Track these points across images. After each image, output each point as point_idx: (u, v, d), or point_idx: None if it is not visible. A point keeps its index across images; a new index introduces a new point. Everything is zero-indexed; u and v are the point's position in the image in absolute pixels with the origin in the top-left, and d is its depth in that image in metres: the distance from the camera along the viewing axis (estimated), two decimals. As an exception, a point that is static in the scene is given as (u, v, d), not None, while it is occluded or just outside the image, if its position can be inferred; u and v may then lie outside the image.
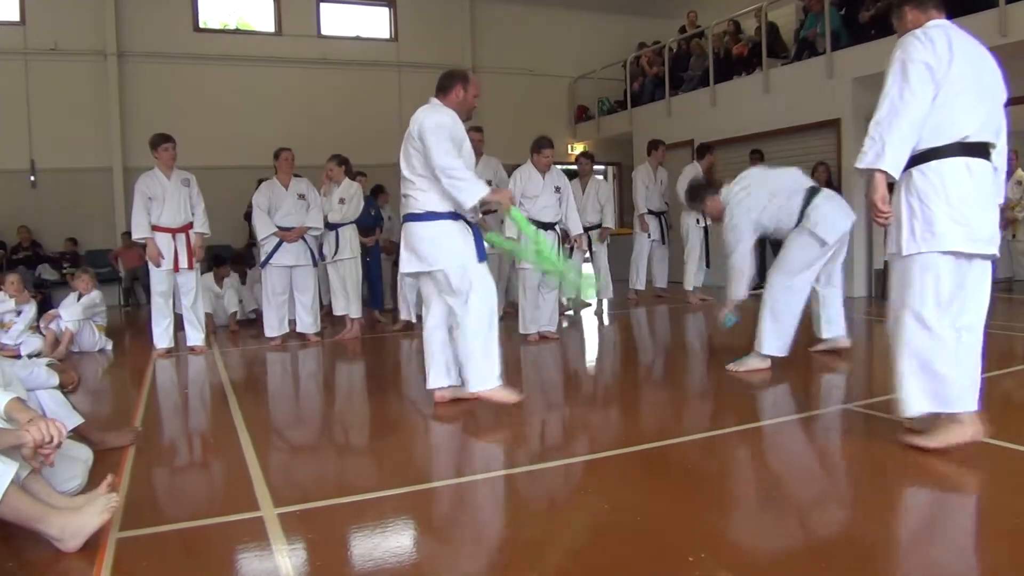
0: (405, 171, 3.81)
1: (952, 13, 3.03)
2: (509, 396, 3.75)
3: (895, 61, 2.80)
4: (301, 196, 6.58)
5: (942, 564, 2.06)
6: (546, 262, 4.02)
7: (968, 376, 2.82)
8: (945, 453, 2.82)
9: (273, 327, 6.55)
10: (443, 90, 3.86)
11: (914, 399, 2.85)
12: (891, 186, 2.89)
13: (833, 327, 5.07)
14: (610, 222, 8.12)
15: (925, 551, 2.16)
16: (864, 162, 2.82)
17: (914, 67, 2.73)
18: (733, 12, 10.44)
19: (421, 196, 3.74)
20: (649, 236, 8.83)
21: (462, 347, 3.76)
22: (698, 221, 8.56)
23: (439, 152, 3.59)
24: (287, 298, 6.65)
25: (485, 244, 3.85)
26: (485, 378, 3.72)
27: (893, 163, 2.76)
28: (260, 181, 6.89)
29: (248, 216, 8.79)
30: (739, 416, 3.68)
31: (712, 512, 2.49)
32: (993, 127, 2.84)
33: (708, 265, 8.74)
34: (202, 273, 6.70)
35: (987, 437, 2.86)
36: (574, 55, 13.28)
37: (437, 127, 3.64)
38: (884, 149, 2.75)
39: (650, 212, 8.85)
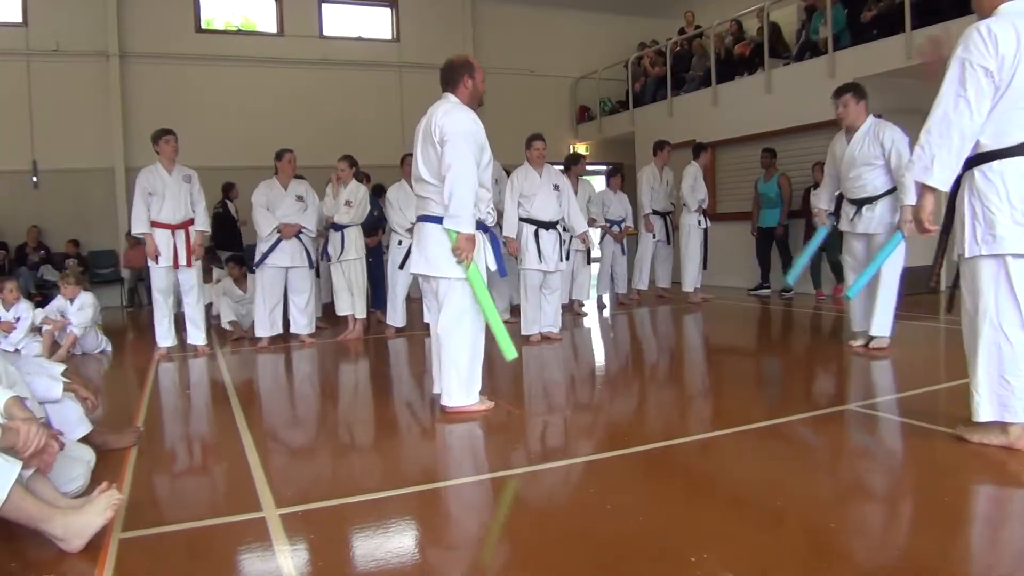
0: (423, 172, 3.74)
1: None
2: (484, 405, 3.80)
3: (955, 59, 2.70)
4: (299, 198, 6.57)
5: (946, 565, 2.05)
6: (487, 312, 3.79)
7: None
8: (962, 455, 2.85)
9: (264, 327, 6.53)
10: (450, 84, 3.78)
11: (985, 406, 2.82)
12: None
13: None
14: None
15: (927, 552, 2.15)
16: (913, 173, 2.79)
17: (972, 73, 2.64)
18: (734, 12, 10.43)
19: (437, 199, 3.67)
20: (654, 236, 8.83)
21: (443, 360, 3.75)
22: (699, 222, 8.56)
23: (459, 163, 3.53)
24: (280, 299, 6.63)
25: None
26: (462, 394, 3.75)
27: (941, 178, 2.71)
28: (227, 185, 6.89)
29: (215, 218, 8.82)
30: (741, 416, 3.67)
31: (714, 512, 2.49)
32: None
33: (706, 266, 8.74)
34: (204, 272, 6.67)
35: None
36: (576, 55, 13.29)
37: (465, 135, 3.57)
38: (932, 163, 2.71)
39: (655, 212, 8.85)
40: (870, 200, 4.96)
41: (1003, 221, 2.69)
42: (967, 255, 2.80)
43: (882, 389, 4.39)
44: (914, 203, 2.98)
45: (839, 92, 5.03)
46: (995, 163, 2.71)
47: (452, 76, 3.78)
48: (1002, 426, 2.81)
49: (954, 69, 2.69)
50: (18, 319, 6.42)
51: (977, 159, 2.74)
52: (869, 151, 4.88)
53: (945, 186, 2.74)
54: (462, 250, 3.60)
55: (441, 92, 3.85)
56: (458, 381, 3.74)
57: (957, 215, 2.87)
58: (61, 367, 3.29)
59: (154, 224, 6.04)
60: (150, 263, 6.12)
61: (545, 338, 6.15)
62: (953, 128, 2.67)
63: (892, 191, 4.90)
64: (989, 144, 2.71)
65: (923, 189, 2.80)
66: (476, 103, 3.81)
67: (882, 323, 5.02)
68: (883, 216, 4.94)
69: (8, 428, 2.23)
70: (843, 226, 5.22)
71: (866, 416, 3.57)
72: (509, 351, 3.74)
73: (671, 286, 9.18)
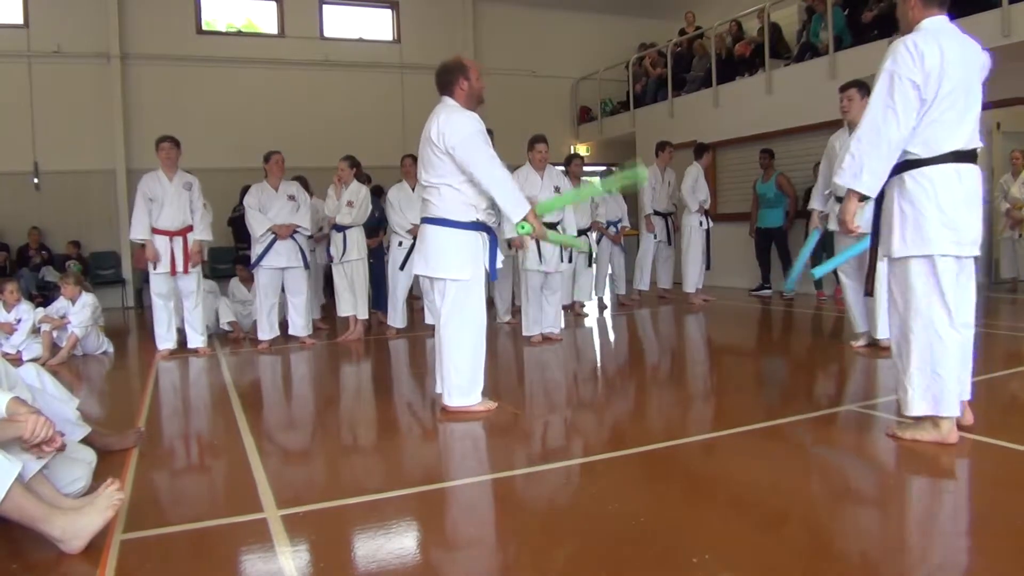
0: (424, 175, 3.77)
1: (955, 13, 3.07)
2: (486, 406, 3.81)
3: (883, 71, 2.85)
4: (291, 197, 6.57)
5: (946, 566, 2.05)
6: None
7: (958, 379, 2.91)
8: (950, 454, 2.87)
9: (265, 330, 6.54)
10: (446, 87, 3.79)
11: (918, 400, 2.93)
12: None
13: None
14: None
15: (929, 554, 2.15)
16: (842, 179, 2.93)
17: (900, 85, 2.78)
18: (735, 13, 10.44)
19: (439, 201, 3.71)
20: (655, 237, 8.83)
21: (444, 360, 3.78)
22: (700, 223, 8.56)
23: (483, 164, 3.57)
24: (277, 300, 6.64)
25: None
26: (464, 394, 3.78)
27: (869, 185, 2.87)
28: (245, 188, 6.89)
29: (231, 222, 8.82)
30: (743, 417, 3.67)
31: (715, 513, 2.48)
32: (978, 131, 2.91)
33: (709, 267, 8.74)
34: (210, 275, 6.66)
35: (989, 437, 2.95)
36: (577, 56, 13.29)
37: (471, 136, 3.58)
38: (861, 171, 2.85)
39: (656, 213, 8.86)
40: (864, 199, 4.96)
41: (932, 223, 2.82)
42: (895, 255, 2.92)
43: (883, 390, 4.38)
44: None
45: (845, 87, 5.07)
46: (925, 168, 2.85)
47: (447, 79, 3.80)
48: (933, 421, 2.92)
49: (883, 81, 2.83)
50: (19, 320, 6.44)
51: (907, 166, 2.87)
52: None
53: (873, 192, 2.90)
54: (537, 231, 3.70)
55: (439, 96, 3.85)
56: (459, 381, 3.76)
57: (884, 218, 2.99)
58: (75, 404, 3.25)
59: (153, 231, 6.07)
60: (149, 268, 6.15)
61: (546, 339, 6.15)
62: (881, 137, 2.80)
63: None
64: (919, 153, 2.85)
65: (849, 193, 2.95)
66: (475, 102, 3.82)
67: (886, 325, 5.01)
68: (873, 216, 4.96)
69: (14, 420, 2.24)
70: (834, 226, 5.21)
71: (867, 417, 3.57)
72: (577, 243, 4.02)
73: (672, 287, 9.18)
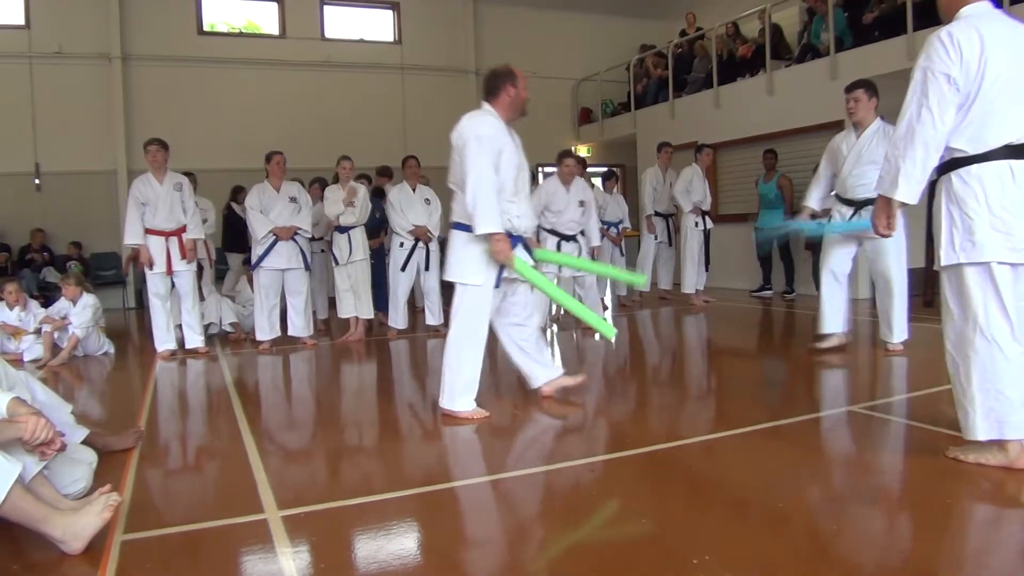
0: (450, 178, 3.82)
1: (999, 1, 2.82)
2: (477, 413, 3.78)
3: (918, 68, 2.64)
4: (292, 199, 6.57)
5: (947, 566, 2.05)
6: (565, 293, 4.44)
7: (1022, 397, 2.62)
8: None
9: (264, 331, 6.54)
10: (492, 92, 3.77)
11: (981, 423, 2.64)
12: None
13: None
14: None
15: (931, 557, 2.15)
16: (880, 188, 2.75)
17: (935, 82, 2.58)
18: (736, 14, 10.44)
19: (457, 207, 3.75)
20: (656, 238, 8.82)
21: (445, 360, 3.81)
22: (696, 224, 8.55)
23: (471, 167, 3.55)
24: (278, 302, 6.64)
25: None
26: (456, 397, 3.77)
27: (907, 191, 2.66)
28: (235, 188, 6.89)
29: (225, 220, 8.83)
30: (744, 418, 3.66)
31: (717, 515, 2.48)
32: None
33: (708, 268, 8.73)
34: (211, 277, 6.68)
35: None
36: (578, 57, 13.29)
37: (478, 139, 3.58)
38: (898, 177, 2.66)
39: (657, 214, 8.85)
40: (872, 201, 4.94)
41: (982, 227, 2.59)
42: (943, 263, 2.70)
43: (884, 391, 4.38)
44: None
45: (852, 87, 4.99)
46: (973, 167, 2.61)
47: (494, 84, 3.77)
48: (999, 444, 2.66)
49: (917, 78, 2.64)
50: (23, 320, 6.46)
51: (954, 164, 2.67)
52: (878, 150, 4.78)
53: (912, 199, 2.67)
54: (497, 253, 3.61)
55: (481, 101, 3.83)
56: (453, 385, 3.78)
57: (934, 221, 2.77)
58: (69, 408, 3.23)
59: (148, 232, 6.11)
60: (146, 270, 6.19)
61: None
62: (917, 139, 2.60)
63: None
64: (966, 150, 2.63)
65: (885, 200, 2.75)
66: (518, 112, 3.80)
67: (900, 329, 5.04)
68: None
69: (14, 420, 2.24)
70: (838, 223, 5.19)
71: (869, 418, 3.56)
72: (608, 330, 4.03)
73: (673, 288, 9.17)
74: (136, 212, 6.08)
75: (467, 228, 3.68)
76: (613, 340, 4.04)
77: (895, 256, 4.92)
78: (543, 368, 4.12)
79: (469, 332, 3.77)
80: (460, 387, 3.77)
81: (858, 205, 4.99)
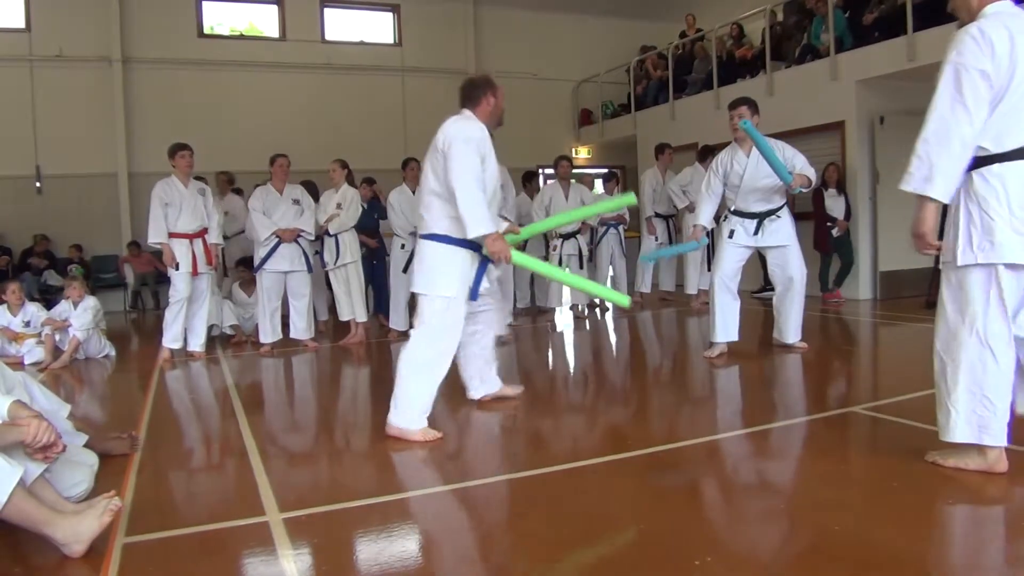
0: (422, 185, 3.67)
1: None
2: (427, 435, 3.51)
3: (948, 64, 2.55)
4: (295, 201, 6.60)
5: (948, 567, 2.05)
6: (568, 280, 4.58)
7: (1007, 406, 2.59)
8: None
9: (267, 333, 6.55)
10: (471, 100, 3.70)
11: (962, 425, 2.61)
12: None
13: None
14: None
15: (931, 557, 2.15)
16: (911, 185, 2.59)
17: (968, 77, 2.49)
18: (736, 15, 10.44)
19: (428, 216, 3.59)
20: (656, 239, 8.82)
21: (398, 372, 3.59)
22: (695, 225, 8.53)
23: (460, 168, 3.41)
24: (280, 304, 6.64)
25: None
26: (407, 416, 3.54)
27: (943, 189, 2.54)
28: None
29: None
30: (745, 419, 3.66)
31: (718, 516, 2.48)
32: None
33: (710, 268, 8.71)
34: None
35: None
36: (578, 59, 13.29)
37: (466, 141, 3.48)
38: (933, 172, 2.52)
39: (657, 215, 8.85)
40: (772, 212, 5.15)
41: (1002, 228, 2.53)
42: (959, 263, 2.60)
43: (885, 391, 4.38)
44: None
45: (735, 104, 5.07)
46: (995, 166, 2.54)
47: (474, 93, 3.71)
48: (979, 448, 2.63)
49: (947, 75, 2.54)
50: (28, 323, 6.47)
51: (975, 163, 2.59)
52: (766, 165, 4.92)
53: (947, 197, 2.55)
54: (496, 253, 3.49)
55: (460, 107, 3.75)
56: (410, 402, 3.54)
57: (949, 220, 2.70)
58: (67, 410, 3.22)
59: (172, 235, 6.15)
60: (171, 271, 6.22)
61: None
62: (953, 135, 2.50)
63: (785, 204, 5.19)
64: (990, 148, 2.56)
65: (922, 202, 2.59)
66: (495, 122, 3.75)
67: (797, 328, 5.35)
68: (788, 226, 5.20)
69: (16, 424, 2.24)
70: (744, 241, 5.26)
71: (872, 419, 3.56)
72: (622, 299, 3.94)
73: (675, 289, 9.16)
74: (160, 212, 6.13)
75: (443, 239, 3.55)
76: (629, 305, 4.00)
77: (799, 260, 5.21)
78: (484, 383, 4.09)
79: (436, 348, 3.56)
80: (419, 406, 3.54)
81: (761, 217, 5.15)
